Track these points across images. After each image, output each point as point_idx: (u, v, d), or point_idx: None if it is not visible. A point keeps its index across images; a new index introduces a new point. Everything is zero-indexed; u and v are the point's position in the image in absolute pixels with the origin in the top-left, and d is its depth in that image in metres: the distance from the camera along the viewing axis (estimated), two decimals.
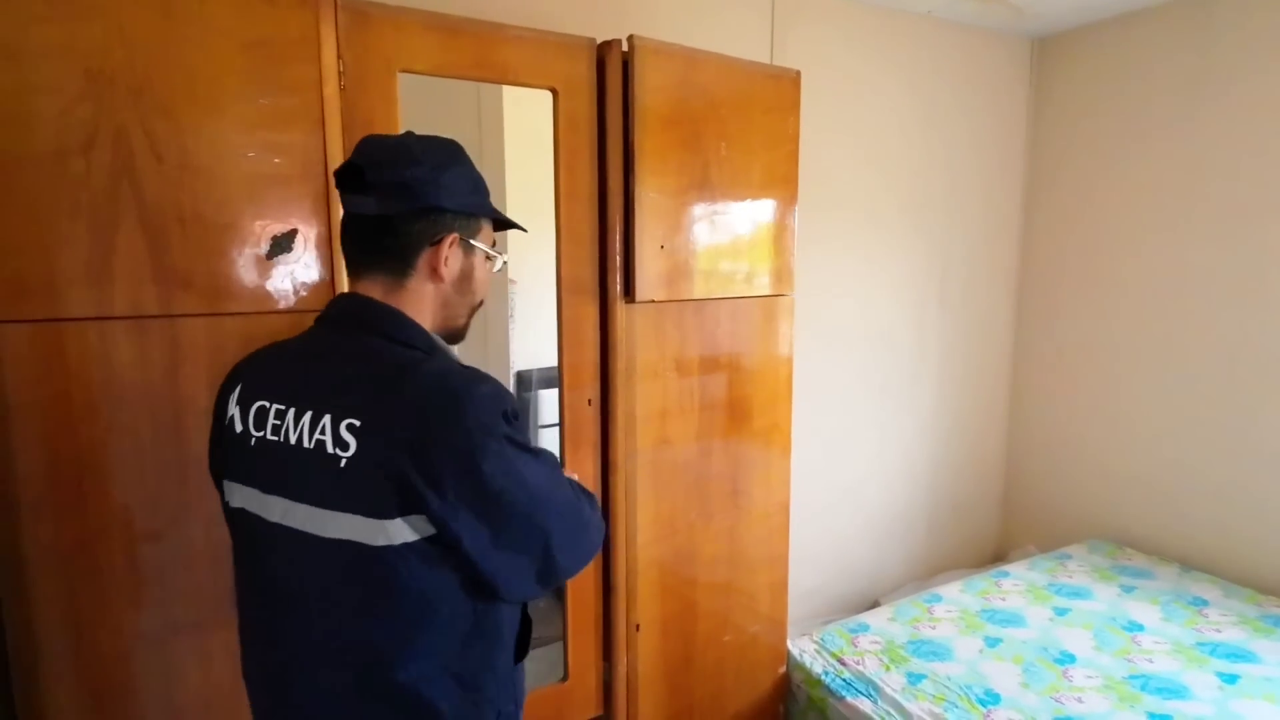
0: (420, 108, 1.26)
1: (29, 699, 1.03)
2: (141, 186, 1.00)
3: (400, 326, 0.85)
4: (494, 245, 0.93)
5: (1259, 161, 2.13)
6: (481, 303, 0.94)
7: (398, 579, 0.75)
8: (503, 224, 0.95)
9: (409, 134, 0.88)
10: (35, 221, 0.96)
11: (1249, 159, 2.15)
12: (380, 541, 0.74)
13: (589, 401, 1.47)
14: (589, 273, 1.44)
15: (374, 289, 0.85)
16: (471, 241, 0.89)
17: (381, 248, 0.84)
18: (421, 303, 0.87)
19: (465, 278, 0.90)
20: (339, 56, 1.13)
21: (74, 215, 0.97)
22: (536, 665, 1.61)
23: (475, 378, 0.80)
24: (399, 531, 0.74)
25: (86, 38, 0.96)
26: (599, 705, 1.57)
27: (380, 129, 1.18)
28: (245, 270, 1.08)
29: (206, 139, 1.03)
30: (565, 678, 1.52)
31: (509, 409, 0.80)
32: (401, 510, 0.74)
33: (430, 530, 0.75)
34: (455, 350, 0.96)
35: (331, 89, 1.11)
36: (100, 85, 0.97)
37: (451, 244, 0.86)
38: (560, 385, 1.45)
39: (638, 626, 1.53)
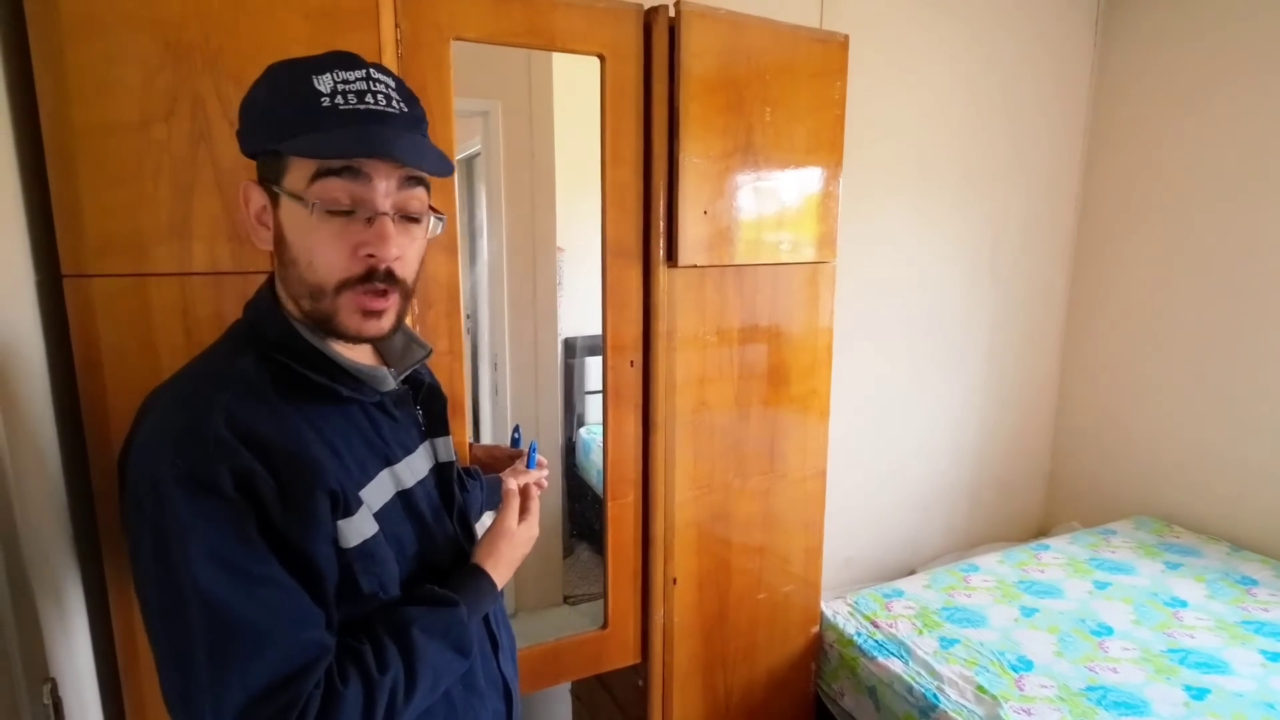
0: (471, 75, 1.30)
1: (123, 618, 1.14)
2: (217, 151, 1.07)
3: (247, 310, 0.77)
4: (313, 183, 0.66)
5: None
6: (346, 282, 0.68)
7: None
8: (323, 150, 0.66)
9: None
10: (123, 185, 1.04)
11: None
12: None
13: (631, 363, 1.52)
14: (633, 237, 1.47)
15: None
16: (275, 188, 0.69)
17: None
18: (275, 276, 0.74)
19: (279, 240, 0.70)
20: (396, 25, 1.18)
21: (157, 178, 1.05)
22: (579, 617, 1.69)
23: (189, 404, 0.66)
24: None
25: (165, 10, 1.02)
26: (636, 653, 1.64)
27: (434, 95, 1.22)
28: None
29: None
30: (605, 625, 1.59)
31: (197, 476, 0.61)
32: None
33: None
34: (350, 350, 0.76)
35: (390, 56, 1.16)
36: (178, 55, 1.04)
37: (258, 194, 0.71)
38: (604, 345, 1.50)
39: (675, 580, 1.59)
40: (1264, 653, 1.70)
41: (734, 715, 1.75)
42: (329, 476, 0.68)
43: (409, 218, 0.72)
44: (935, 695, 1.60)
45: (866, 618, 1.88)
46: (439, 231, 0.77)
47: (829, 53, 1.60)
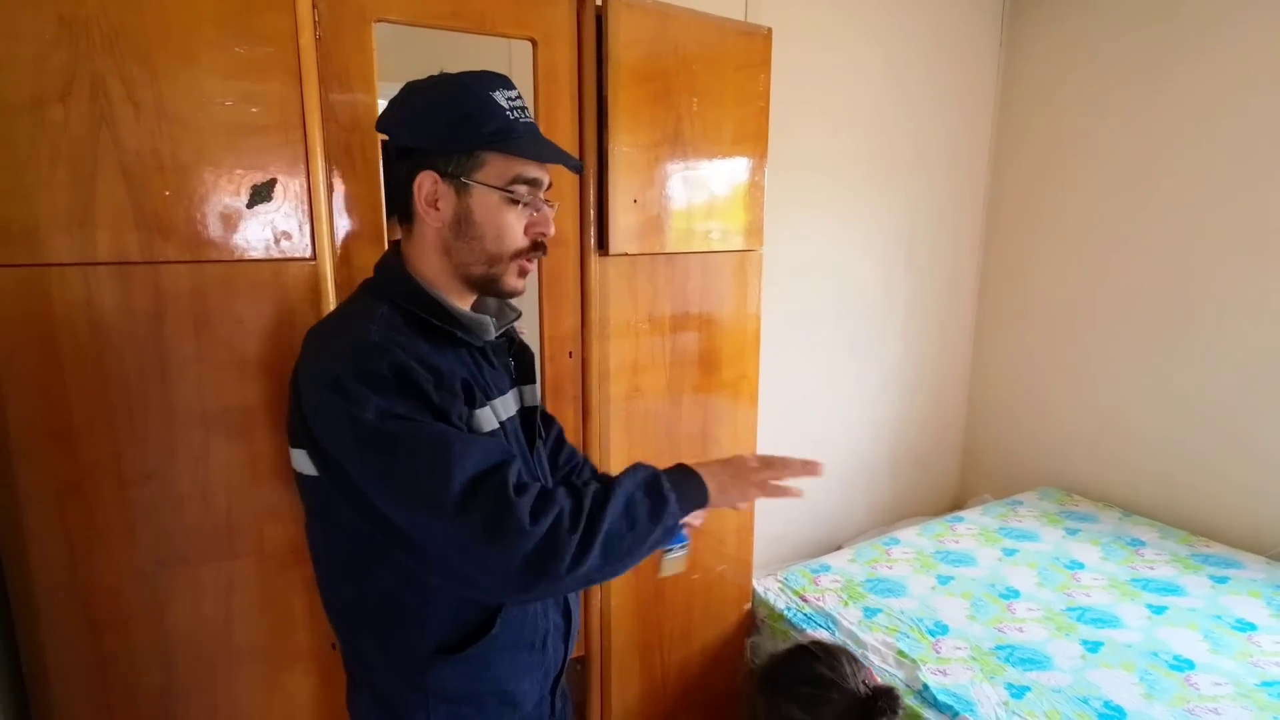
0: (449, 62, 1.29)
1: (29, 630, 1.08)
2: (120, 134, 1.01)
3: (379, 271, 0.92)
4: (514, 183, 0.85)
5: (1221, 130, 2.21)
6: (519, 252, 0.88)
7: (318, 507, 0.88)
8: (532, 155, 0.86)
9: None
10: (14, 168, 0.97)
11: (1212, 127, 2.23)
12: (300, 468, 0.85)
13: (570, 354, 1.52)
14: (569, 225, 1.48)
15: (396, 232, 0.91)
16: (464, 180, 0.84)
17: (387, 191, 0.90)
18: (423, 247, 0.88)
19: (463, 220, 0.85)
20: (314, 6, 1.14)
21: (54, 162, 0.99)
22: None
23: (345, 331, 0.83)
24: (303, 461, 0.84)
25: None
26: None
27: (357, 80, 1.19)
28: (226, 218, 1.10)
29: (183, 87, 1.04)
30: None
31: (366, 369, 0.76)
32: (296, 441, 0.85)
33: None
34: (489, 304, 0.96)
35: (307, 38, 1.12)
36: (74, 31, 0.98)
37: (433, 182, 0.84)
38: (541, 337, 1.50)
39: None
40: (1149, 606, 1.87)
41: (672, 693, 1.80)
42: (454, 373, 0.83)
43: (550, 204, 0.93)
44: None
45: (796, 593, 1.96)
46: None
47: (754, 45, 1.63)
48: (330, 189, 1.19)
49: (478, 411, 0.86)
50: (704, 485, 0.87)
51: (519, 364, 1.03)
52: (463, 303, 0.93)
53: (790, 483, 0.92)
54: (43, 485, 1.06)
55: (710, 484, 0.88)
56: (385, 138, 0.90)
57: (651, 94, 1.49)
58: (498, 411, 0.92)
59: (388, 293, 0.88)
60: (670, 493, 0.84)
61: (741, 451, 0.96)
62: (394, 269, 0.90)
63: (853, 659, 1.24)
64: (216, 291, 1.11)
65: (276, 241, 1.14)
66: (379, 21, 1.22)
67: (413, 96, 0.87)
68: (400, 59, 1.31)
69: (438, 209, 0.86)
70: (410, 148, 0.86)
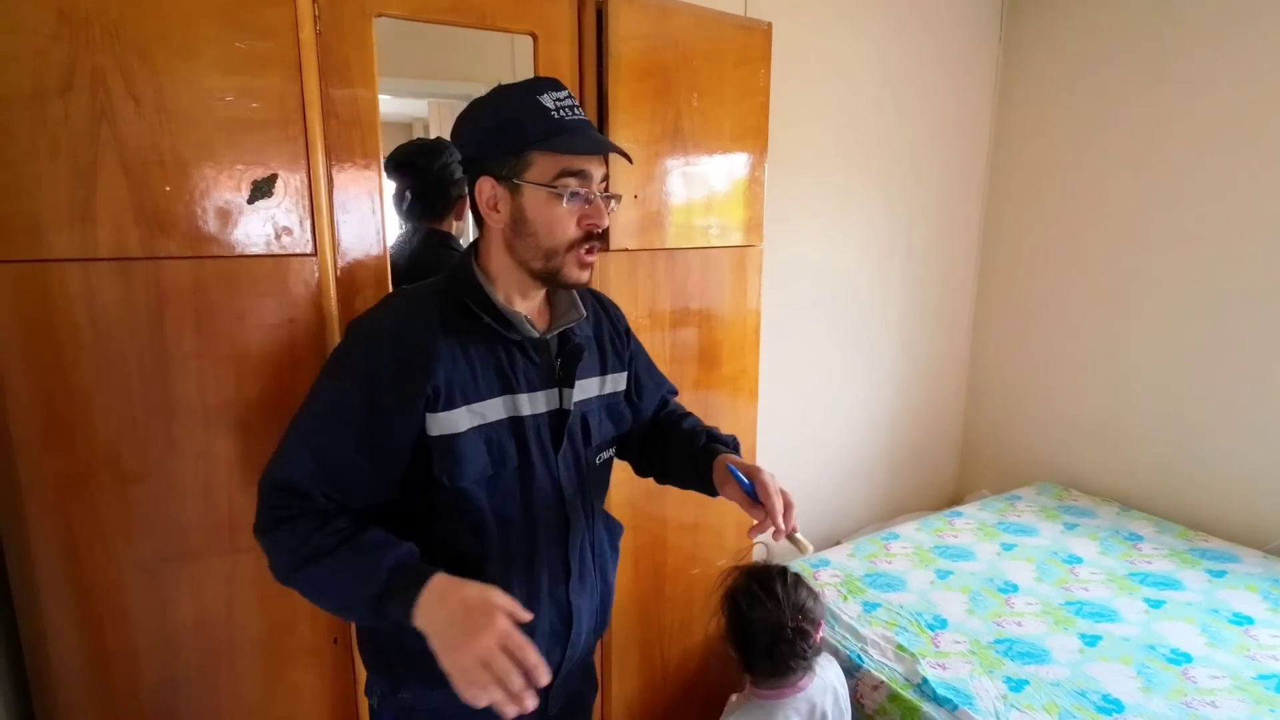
0: (452, 57, 1.29)
1: (31, 624, 1.08)
2: (120, 129, 1.01)
3: (454, 263, 0.99)
4: (559, 178, 0.88)
5: (1221, 125, 2.21)
6: (574, 244, 0.91)
7: None
8: (568, 149, 0.89)
9: None
10: (15, 163, 0.97)
11: (1212, 121, 2.23)
12: None
13: None
14: None
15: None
16: (516, 180, 0.89)
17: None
18: (491, 247, 0.95)
19: (519, 219, 0.90)
20: (314, 1, 1.13)
21: (54, 157, 0.99)
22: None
23: (379, 307, 0.97)
24: None
25: None
26: None
27: (357, 74, 1.19)
28: (226, 214, 1.10)
29: (184, 82, 1.04)
30: None
31: (361, 349, 0.91)
32: None
33: None
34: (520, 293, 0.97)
35: (308, 33, 1.12)
36: (74, 26, 0.97)
37: (491, 186, 0.90)
38: None
39: None
40: (1147, 600, 1.88)
41: (672, 686, 1.81)
42: (438, 375, 0.88)
43: (607, 196, 0.95)
44: (859, 656, 1.69)
45: None
46: (615, 208, 1.00)
47: (753, 40, 1.63)
48: (331, 184, 1.19)
49: (442, 414, 0.89)
50: (412, 606, 0.79)
51: (564, 365, 1.02)
52: (529, 299, 0.99)
53: None
54: (44, 480, 1.06)
55: (424, 616, 0.78)
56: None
57: (652, 89, 1.49)
58: (519, 406, 0.95)
59: (450, 279, 0.97)
60: (377, 593, 0.82)
61: (508, 607, 0.78)
62: (464, 263, 0.97)
63: (811, 598, 1.33)
64: (217, 287, 1.11)
65: (277, 237, 1.14)
66: (379, 16, 1.21)
67: (470, 110, 0.94)
68: (401, 54, 1.31)
69: (498, 211, 0.91)
70: (471, 158, 0.93)
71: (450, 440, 0.90)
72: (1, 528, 1.06)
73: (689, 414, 1.24)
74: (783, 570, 1.36)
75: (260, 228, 1.13)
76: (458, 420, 0.91)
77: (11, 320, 1.00)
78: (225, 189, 1.09)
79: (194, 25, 1.04)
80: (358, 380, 0.89)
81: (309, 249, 1.16)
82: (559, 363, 1.01)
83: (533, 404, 0.97)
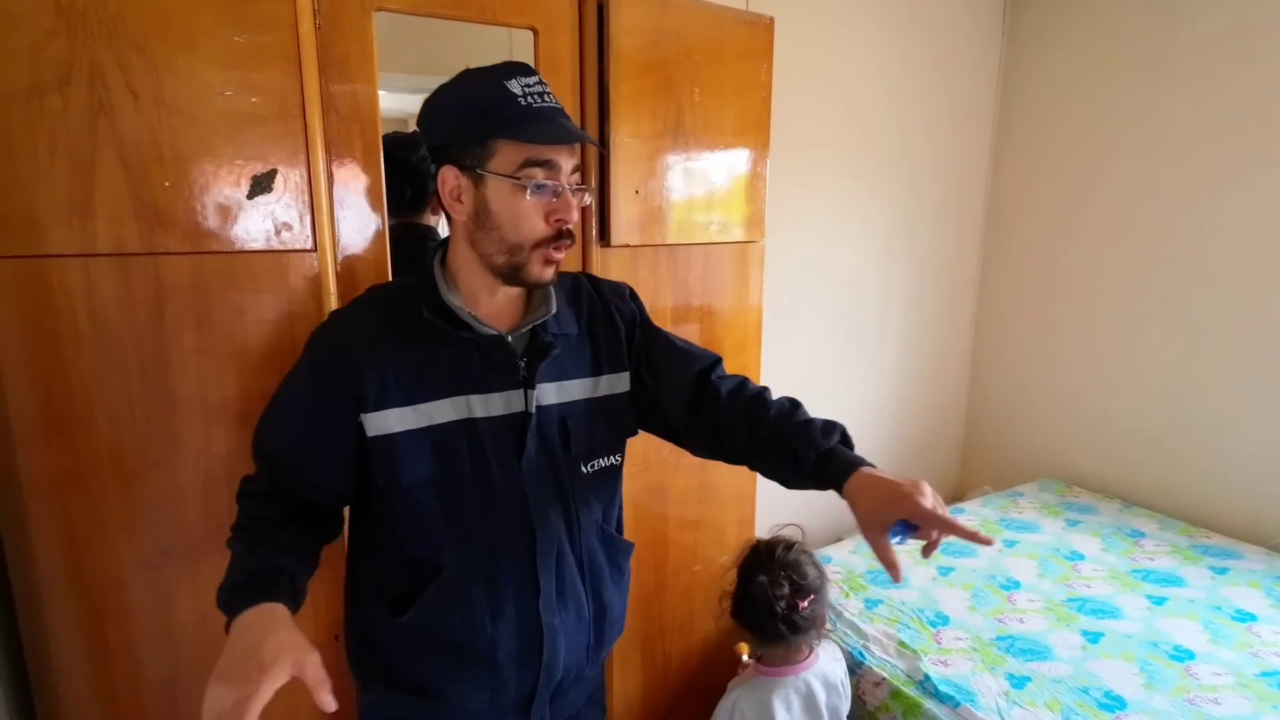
0: (451, 51, 1.28)
1: (32, 620, 1.08)
2: (119, 124, 1.00)
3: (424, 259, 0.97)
4: (523, 169, 0.83)
5: (1224, 121, 2.21)
6: (541, 241, 0.86)
7: None
8: (533, 138, 0.83)
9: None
10: (13, 158, 0.97)
11: (1215, 119, 2.22)
12: None
13: None
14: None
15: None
16: (479, 170, 0.84)
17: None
18: (456, 241, 0.92)
19: (481, 211, 0.86)
20: None
21: (53, 152, 0.98)
22: None
23: (351, 301, 0.97)
24: None
25: None
26: None
27: (356, 69, 1.18)
28: (226, 210, 1.09)
29: (182, 76, 1.04)
30: None
31: (316, 336, 0.95)
32: None
33: None
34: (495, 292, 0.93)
35: (307, 27, 1.11)
36: (72, 20, 0.97)
37: (455, 176, 0.86)
38: None
39: None
40: (1149, 597, 1.87)
41: (673, 683, 1.80)
42: (368, 377, 0.87)
43: (579, 189, 0.90)
44: (861, 653, 1.69)
45: None
46: (588, 201, 0.97)
47: (755, 34, 1.62)
48: (331, 180, 1.19)
49: (374, 415, 0.88)
50: (231, 621, 0.82)
51: (528, 366, 0.95)
52: (492, 295, 0.93)
53: None
54: (45, 476, 1.05)
55: (230, 635, 0.80)
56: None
57: (653, 84, 1.48)
58: (472, 407, 0.91)
59: (415, 277, 0.94)
60: (227, 596, 0.85)
61: (300, 652, 0.78)
62: (428, 261, 0.94)
63: (812, 566, 1.39)
64: (217, 283, 1.10)
65: (277, 233, 1.13)
66: (379, 10, 1.20)
67: (435, 95, 0.89)
68: (401, 49, 1.30)
69: (461, 202, 0.87)
70: (435, 145, 0.88)
71: (384, 441, 0.88)
72: (1, 524, 1.06)
73: (764, 389, 1.11)
74: (790, 543, 1.41)
75: (260, 223, 1.12)
76: (390, 421, 0.88)
77: (11, 316, 1.00)
78: (225, 184, 1.09)
79: (193, 19, 1.04)
80: (306, 365, 0.93)
81: (309, 244, 1.16)
82: (524, 362, 0.95)
83: (488, 406, 0.92)
